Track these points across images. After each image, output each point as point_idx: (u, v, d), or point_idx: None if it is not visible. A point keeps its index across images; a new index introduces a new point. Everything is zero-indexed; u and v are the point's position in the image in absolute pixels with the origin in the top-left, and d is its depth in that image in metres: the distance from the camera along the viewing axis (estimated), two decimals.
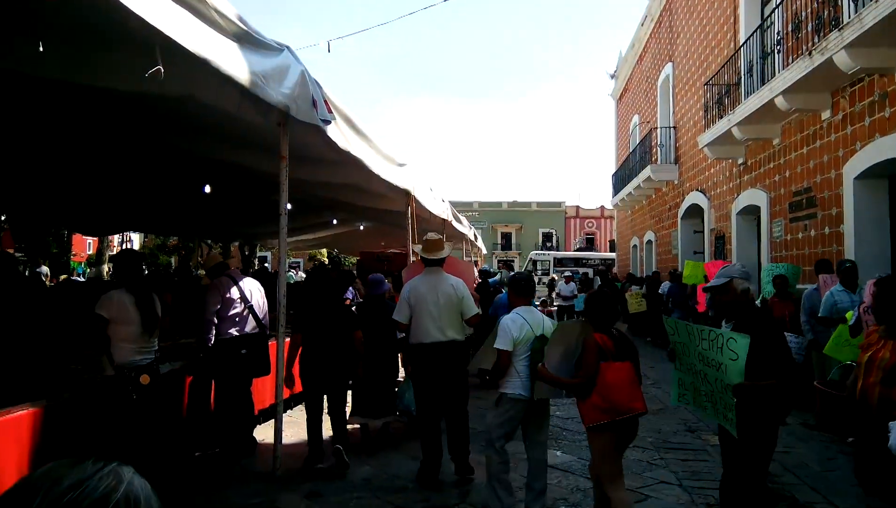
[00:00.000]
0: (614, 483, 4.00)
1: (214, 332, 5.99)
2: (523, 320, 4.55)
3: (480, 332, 6.71)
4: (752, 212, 12.81)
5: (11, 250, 17.27)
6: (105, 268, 23.11)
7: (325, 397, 5.90)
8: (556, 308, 18.40)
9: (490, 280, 12.17)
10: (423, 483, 5.37)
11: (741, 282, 3.80)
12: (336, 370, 5.83)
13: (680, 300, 13.74)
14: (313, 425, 5.85)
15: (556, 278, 24.55)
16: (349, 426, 6.33)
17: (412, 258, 9.57)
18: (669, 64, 19.41)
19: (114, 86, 4.25)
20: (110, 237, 27.94)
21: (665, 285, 15.30)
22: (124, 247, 37.93)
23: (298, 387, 5.84)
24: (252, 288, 6.32)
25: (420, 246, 6.06)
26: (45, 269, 20.07)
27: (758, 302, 8.18)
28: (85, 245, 44.93)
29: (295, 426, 7.14)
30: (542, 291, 25.66)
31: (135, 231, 30.20)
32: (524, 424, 4.64)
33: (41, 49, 3.29)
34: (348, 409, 6.28)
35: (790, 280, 8.84)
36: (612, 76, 29.82)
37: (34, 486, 0.87)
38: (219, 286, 6.13)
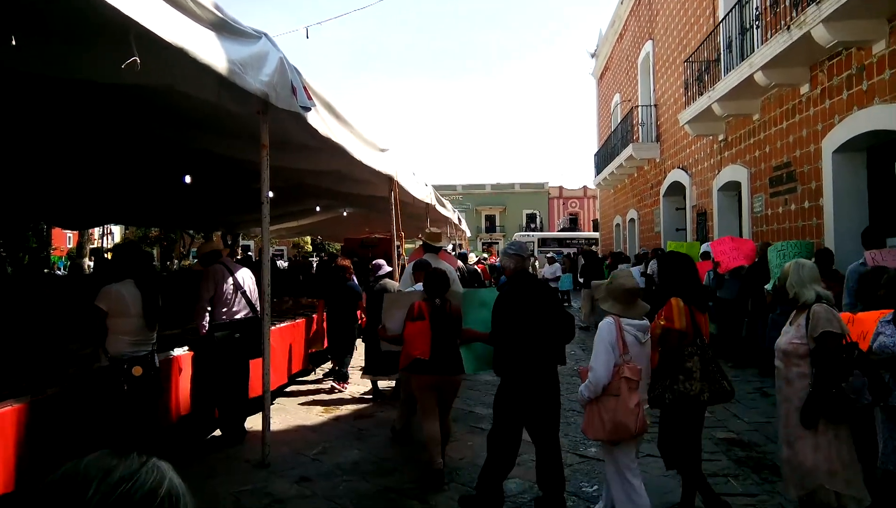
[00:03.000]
0: (424, 417, 5.26)
1: (208, 318, 6.11)
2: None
3: None
4: (733, 188, 12.90)
5: None
6: (86, 261, 22.87)
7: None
8: None
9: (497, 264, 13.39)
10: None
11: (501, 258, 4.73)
12: (336, 326, 8.39)
13: None
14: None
15: (536, 258, 22.64)
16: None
17: (397, 243, 9.62)
18: (649, 42, 19.42)
19: (91, 77, 4.20)
20: (91, 230, 27.64)
21: (654, 265, 13.94)
22: (105, 240, 37.54)
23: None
24: (244, 275, 6.43)
25: (425, 234, 7.56)
26: None
27: (769, 286, 7.73)
28: (65, 239, 44.47)
29: (283, 413, 7.16)
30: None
31: (116, 223, 29.95)
32: None
33: (13, 42, 3.24)
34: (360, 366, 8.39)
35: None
36: (593, 55, 29.77)
37: (85, 476, 0.86)
38: (213, 274, 6.23)
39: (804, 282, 3.86)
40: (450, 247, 11.30)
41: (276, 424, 6.50)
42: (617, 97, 25.10)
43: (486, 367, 4.74)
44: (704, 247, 11.46)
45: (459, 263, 9.60)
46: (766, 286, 8.11)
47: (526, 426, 4.38)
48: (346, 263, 8.46)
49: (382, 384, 8.06)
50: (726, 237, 10.79)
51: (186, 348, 6.05)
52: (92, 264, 24.08)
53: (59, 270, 31.09)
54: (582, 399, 3.94)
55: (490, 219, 60.37)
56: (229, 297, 6.22)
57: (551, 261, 17.01)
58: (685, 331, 4.02)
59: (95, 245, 33.88)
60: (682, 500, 4.32)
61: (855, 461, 3.70)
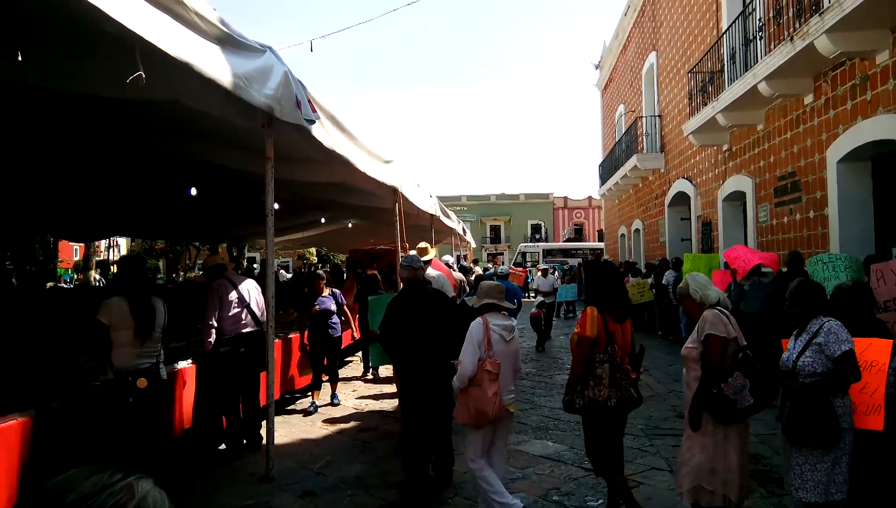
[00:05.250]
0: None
1: (214, 335, 6.12)
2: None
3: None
4: (737, 198, 12.87)
5: None
6: (92, 274, 22.93)
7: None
8: (543, 311, 13.98)
9: (486, 272, 13.70)
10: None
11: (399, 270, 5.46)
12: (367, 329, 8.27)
13: None
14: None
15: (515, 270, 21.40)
16: None
17: (401, 255, 9.64)
18: (653, 53, 19.46)
19: (96, 92, 4.22)
20: (97, 243, 27.74)
21: (669, 275, 14.07)
22: (111, 252, 37.67)
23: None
24: (250, 288, 6.45)
25: (413, 252, 7.95)
26: None
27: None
28: (71, 251, 44.66)
29: (287, 426, 7.15)
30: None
31: (122, 236, 30.06)
32: None
33: (20, 58, 3.26)
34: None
35: (851, 274, 6.87)
36: (597, 66, 29.84)
37: (42, 497, 0.86)
38: (217, 290, 6.24)
39: (705, 285, 4.09)
40: (452, 259, 11.60)
41: (281, 437, 6.49)
42: (621, 108, 25.13)
43: (389, 361, 5.41)
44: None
45: (458, 274, 10.29)
46: None
47: (422, 413, 5.05)
48: (375, 272, 9.65)
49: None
50: (740, 246, 10.35)
51: (190, 360, 6.05)
52: (99, 276, 24.17)
53: (66, 283, 31.20)
54: (456, 389, 4.38)
55: (495, 229, 60.34)
56: (234, 312, 6.23)
57: (545, 274, 16.15)
58: (596, 339, 4.22)
59: (102, 257, 34.00)
60: (608, 505, 4.49)
61: (743, 464, 3.85)
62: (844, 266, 7.15)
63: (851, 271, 7.07)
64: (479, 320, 4.41)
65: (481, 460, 4.41)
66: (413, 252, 8.49)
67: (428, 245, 8.50)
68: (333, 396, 8.39)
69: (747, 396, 3.72)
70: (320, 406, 8.12)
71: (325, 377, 8.44)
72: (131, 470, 0.92)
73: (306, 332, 8.19)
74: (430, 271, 7.51)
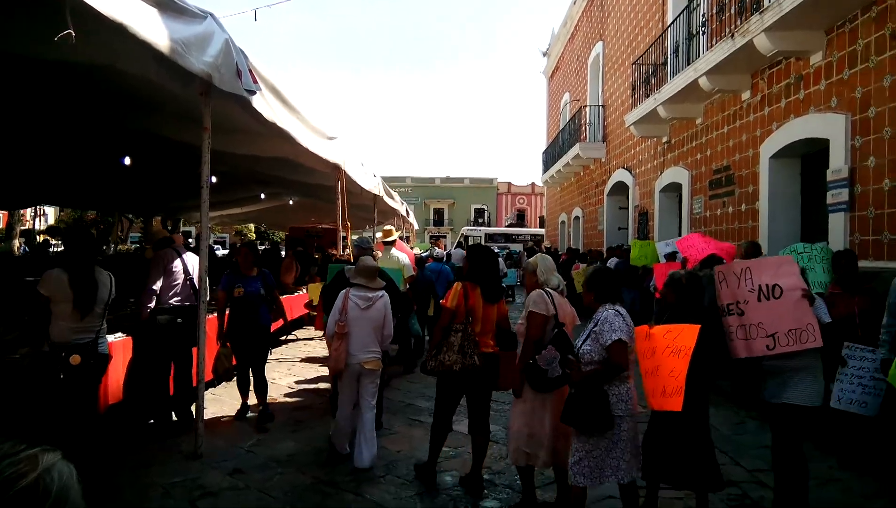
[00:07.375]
0: None
1: (154, 302, 6.06)
2: None
3: (414, 286, 8.97)
4: (674, 189, 13.20)
5: None
6: (15, 243, 21.93)
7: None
8: None
9: (423, 254, 13.80)
10: None
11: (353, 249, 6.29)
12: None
13: (630, 280, 11.61)
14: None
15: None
16: None
17: (342, 234, 9.58)
18: (600, 43, 19.69)
19: (22, 51, 4.02)
20: (22, 211, 26.50)
21: (612, 262, 13.33)
22: (38, 221, 36.09)
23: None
24: (194, 262, 6.33)
25: (380, 234, 9.30)
26: None
27: None
28: None
29: (217, 404, 7.02)
30: None
31: (49, 204, 28.79)
32: None
33: None
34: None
35: (827, 266, 6.34)
36: (545, 54, 30.04)
37: None
38: (163, 258, 6.17)
39: (550, 270, 4.60)
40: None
41: (211, 414, 6.37)
42: (566, 96, 25.39)
43: None
44: (670, 247, 10.67)
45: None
46: None
47: None
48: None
49: None
50: (695, 234, 9.66)
51: (121, 334, 5.87)
52: (23, 245, 23.08)
53: None
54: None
55: (438, 212, 60.41)
56: (177, 282, 6.17)
57: None
58: (455, 311, 4.70)
59: (27, 226, 32.55)
60: (427, 461, 5.00)
61: (557, 429, 4.21)
62: (820, 257, 6.62)
63: (827, 262, 6.52)
64: (343, 291, 5.32)
65: (345, 409, 5.31)
66: (374, 233, 8.88)
67: (392, 228, 9.46)
68: (265, 407, 6.50)
69: (557, 367, 4.10)
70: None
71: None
72: (39, 442, 0.88)
73: (226, 318, 6.44)
74: (394, 252, 8.70)
